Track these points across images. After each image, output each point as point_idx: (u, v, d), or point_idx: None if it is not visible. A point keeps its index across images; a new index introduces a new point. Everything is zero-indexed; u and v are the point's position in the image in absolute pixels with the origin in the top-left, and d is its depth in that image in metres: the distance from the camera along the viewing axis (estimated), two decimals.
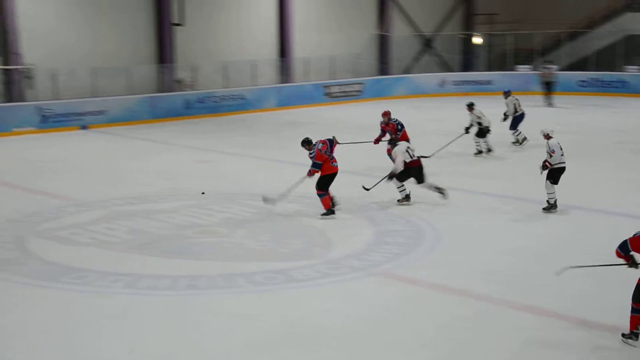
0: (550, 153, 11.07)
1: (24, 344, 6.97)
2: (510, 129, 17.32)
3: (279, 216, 11.32)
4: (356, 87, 28.58)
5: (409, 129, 14.28)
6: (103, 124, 21.48)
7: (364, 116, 22.24)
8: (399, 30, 31.27)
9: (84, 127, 21.18)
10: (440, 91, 29.51)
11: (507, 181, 13.68)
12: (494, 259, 9.23)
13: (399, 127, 13.82)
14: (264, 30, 27.22)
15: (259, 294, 8.21)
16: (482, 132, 15.84)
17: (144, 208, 11.86)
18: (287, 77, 27.32)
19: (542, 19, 31.10)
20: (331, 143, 11.37)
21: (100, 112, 21.67)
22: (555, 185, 11.19)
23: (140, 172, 14.91)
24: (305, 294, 8.23)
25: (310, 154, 11.17)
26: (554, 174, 11.16)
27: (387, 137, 13.77)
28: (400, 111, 23.37)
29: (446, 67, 32.50)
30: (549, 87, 25.53)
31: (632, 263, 6.68)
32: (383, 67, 31.02)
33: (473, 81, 29.88)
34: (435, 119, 22.04)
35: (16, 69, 20.87)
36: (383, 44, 31.06)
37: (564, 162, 11.17)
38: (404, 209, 11.65)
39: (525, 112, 17.35)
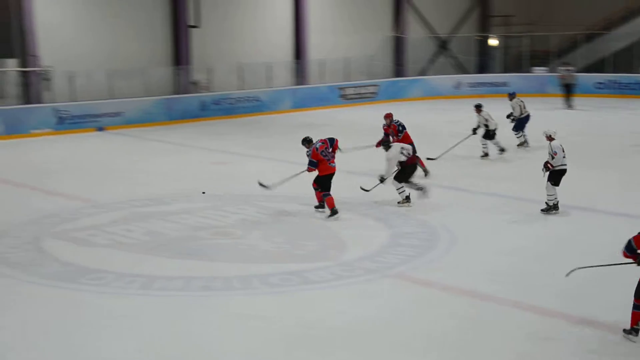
0: (552, 155, 10.98)
1: (34, 344, 7.02)
2: (513, 130, 17.25)
3: (294, 218, 11.36)
4: (371, 89, 28.57)
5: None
6: (119, 126, 21.61)
7: (379, 118, 21.82)
8: (414, 32, 31.23)
9: (100, 129, 21.32)
10: (456, 93, 29.39)
11: (512, 183, 13.62)
12: (500, 259, 9.27)
13: (400, 128, 13.77)
14: (279, 32, 27.29)
15: (274, 295, 8.25)
16: (489, 134, 15.81)
17: (160, 209, 11.93)
18: (302, 79, 27.36)
19: (558, 21, 30.92)
20: (331, 143, 11.46)
21: (116, 114, 21.80)
22: (556, 187, 11.13)
23: (156, 174, 14.99)
24: (320, 295, 8.26)
25: (307, 152, 11.40)
26: (555, 175, 11.08)
27: (390, 139, 13.73)
28: (415, 113, 23.45)
29: (462, 69, 32.42)
30: (568, 90, 25.23)
31: None
32: (398, 68, 30.97)
33: (489, 83, 29.77)
34: (450, 121, 21.97)
35: (33, 70, 21.04)
36: (398, 45, 31.03)
37: (565, 164, 11.09)
38: (415, 210, 11.64)
39: (531, 114, 17.25)
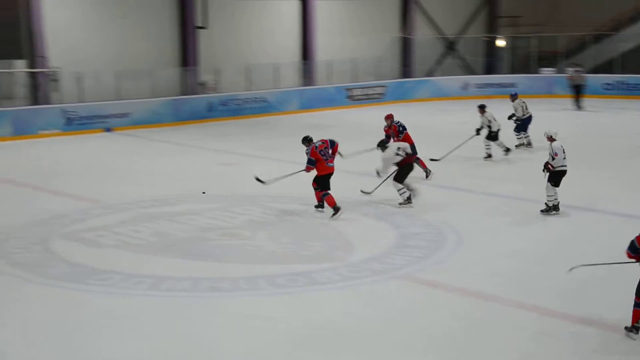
0: (553, 155, 10.94)
1: (33, 342, 7.06)
2: (514, 130, 17.19)
3: (300, 218, 11.38)
4: (378, 90, 28.56)
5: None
6: (127, 127, 21.66)
7: None
8: (422, 33, 31.21)
9: (108, 130, 21.38)
10: (463, 94, 29.32)
11: (515, 184, 13.59)
12: (502, 260, 9.29)
13: (401, 129, 13.76)
14: (287, 33, 27.32)
15: (280, 296, 8.26)
16: (491, 135, 15.78)
17: (167, 210, 11.96)
18: (309, 80, 27.37)
19: (566, 21, 30.85)
20: (332, 144, 11.50)
21: (124, 115, 21.86)
22: (556, 188, 11.10)
23: (163, 175, 15.02)
24: (327, 296, 8.27)
25: (306, 150, 11.47)
26: (556, 176, 11.05)
27: (391, 141, 13.72)
28: (422, 114, 23.44)
29: (469, 70, 32.38)
30: (578, 91, 25.07)
31: None
32: (406, 69, 30.96)
33: (496, 84, 29.70)
34: (457, 122, 21.92)
35: (42, 72, 21.12)
36: (405, 46, 31.02)
37: (565, 165, 11.06)
38: (420, 211, 11.63)
39: (533, 115, 17.20)
